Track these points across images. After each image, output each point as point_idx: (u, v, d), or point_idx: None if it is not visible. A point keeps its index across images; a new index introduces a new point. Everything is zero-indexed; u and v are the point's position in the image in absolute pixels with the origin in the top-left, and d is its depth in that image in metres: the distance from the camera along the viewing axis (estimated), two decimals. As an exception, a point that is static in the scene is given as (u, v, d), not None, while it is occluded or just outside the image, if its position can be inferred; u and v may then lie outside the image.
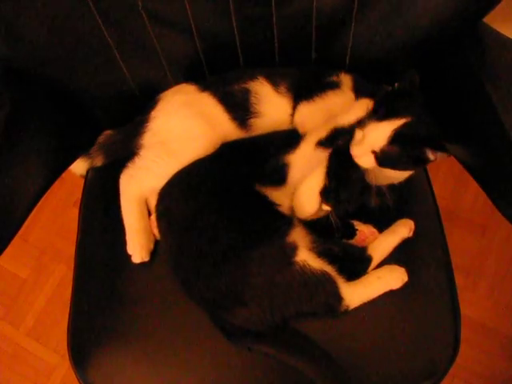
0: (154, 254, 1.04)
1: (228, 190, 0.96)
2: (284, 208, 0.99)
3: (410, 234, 1.00)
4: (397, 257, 1.01)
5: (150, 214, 1.07)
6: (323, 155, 0.96)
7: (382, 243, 1.00)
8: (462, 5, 0.91)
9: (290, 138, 1.01)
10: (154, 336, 0.99)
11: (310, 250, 0.92)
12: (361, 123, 0.91)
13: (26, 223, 0.93)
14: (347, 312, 0.93)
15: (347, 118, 0.94)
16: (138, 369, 0.98)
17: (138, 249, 1.02)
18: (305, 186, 0.98)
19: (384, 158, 0.90)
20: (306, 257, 0.90)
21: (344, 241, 1.01)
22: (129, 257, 1.03)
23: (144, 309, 1.01)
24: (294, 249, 0.90)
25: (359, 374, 0.95)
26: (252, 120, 1.04)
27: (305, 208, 0.98)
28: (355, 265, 0.97)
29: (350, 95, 1.04)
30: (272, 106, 1.04)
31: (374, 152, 0.90)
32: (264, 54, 1.07)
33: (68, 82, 1.03)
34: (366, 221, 1.02)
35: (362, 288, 0.96)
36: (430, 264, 1.03)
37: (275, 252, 0.90)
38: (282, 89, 1.04)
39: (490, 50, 0.93)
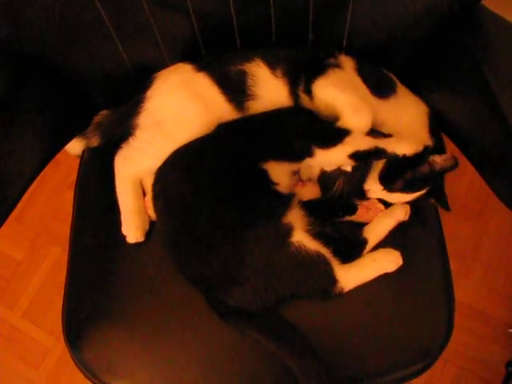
0: (148, 234, 1.05)
1: (226, 170, 0.96)
2: (282, 187, 0.98)
3: (406, 218, 1.00)
4: (392, 240, 1.01)
5: (144, 194, 1.07)
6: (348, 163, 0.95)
7: (377, 226, 1.00)
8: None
9: (323, 123, 1.00)
10: (148, 316, 0.99)
11: (305, 231, 0.93)
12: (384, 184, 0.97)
13: (21, 205, 0.93)
14: (341, 294, 0.94)
15: (394, 148, 0.93)
16: (132, 348, 0.98)
17: (132, 229, 1.03)
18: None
19: None
20: (302, 238, 0.90)
21: (340, 221, 1.02)
22: (124, 237, 1.03)
23: (139, 289, 1.02)
24: (289, 229, 0.90)
25: (353, 357, 0.96)
26: (249, 102, 1.03)
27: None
28: (350, 247, 0.98)
29: (354, 75, 1.03)
30: (269, 89, 1.03)
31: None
32: (261, 35, 1.06)
33: (64, 62, 1.02)
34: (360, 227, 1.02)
35: (357, 270, 0.96)
36: (424, 248, 1.04)
37: (271, 232, 0.90)
38: (279, 71, 1.03)
39: (488, 31, 0.93)
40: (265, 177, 0.96)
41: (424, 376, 1.53)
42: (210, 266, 0.91)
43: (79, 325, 1.01)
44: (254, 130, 1.01)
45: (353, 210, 1.01)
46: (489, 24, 0.93)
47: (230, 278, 0.91)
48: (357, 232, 0.99)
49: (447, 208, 1.01)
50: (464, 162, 0.94)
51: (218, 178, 0.95)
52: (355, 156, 0.93)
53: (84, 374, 0.98)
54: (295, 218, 0.94)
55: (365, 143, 0.93)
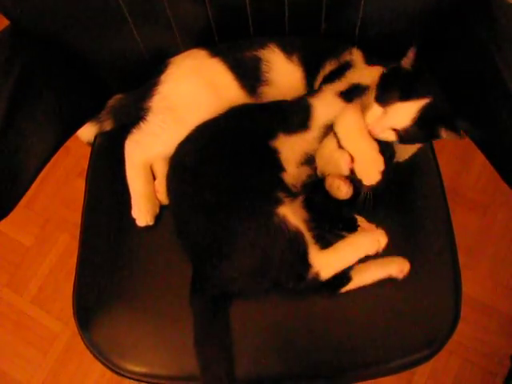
0: (158, 218, 1.06)
1: (238, 148, 0.97)
2: (288, 175, 0.98)
3: (400, 276, 0.97)
4: (402, 230, 1.03)
5: (154, 179, 1.08)
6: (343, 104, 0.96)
7: (368, 271, 0.97)
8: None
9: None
10: (157, 299, 1.00)
11: (294, 210, 0.92)
12: (380, 100, 0.93)
13: (31, 192, 0.94)
14: (316, 280, 0.91)
15: (362, 79, 0.96)
16: (141, 330, 1.00)
17: (143, 213, 1.04)
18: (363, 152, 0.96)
19: (405, 136, 0.94)
20: (287, 213, 0.89)
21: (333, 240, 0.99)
22: (134, 221, 1.04)
23: (148, 272, 1.03)
24: (279, 202, 0.90)
25: (361, 343, 0.97)
26: (262, 88, 1.04)
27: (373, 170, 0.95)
28: (333, 279, 0.93)
29: (365, 66, 1.05)
30: (283, 75, 1.04)
31: (395, 130, 0.93)
32: (274, 23, 1.07)
33: (79, 45, 1.03)
34: (371, 220, 1.01)
35: (333, 255, 0.92)
36: (434, 238, 1.05)
37: (262, 204, 0.90)
38: (294, 58, 1.04)
39: (499, 21, 0.93)
40: (274, 159, 0.97)
41: (429, 367, 1.55)
42: (207, 235, 0.92)
43: (89, 306, 1.02)
44: (266, 108, 1.03)
45: (353, 228, 0.99)
46: (503, 15, 0.93)
47: (221, 249, 0.91)
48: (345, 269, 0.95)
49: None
50: (472, 156, 0.93)
51: (229, 156, 0.96)
52: (341, 95, 0.97)
53: (93, 355, 0.99)
54: (292, 208, 0.93)
55: (339, 84, 0.98)
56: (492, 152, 0.94)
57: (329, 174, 1.00)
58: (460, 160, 1.75)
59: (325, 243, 0.93)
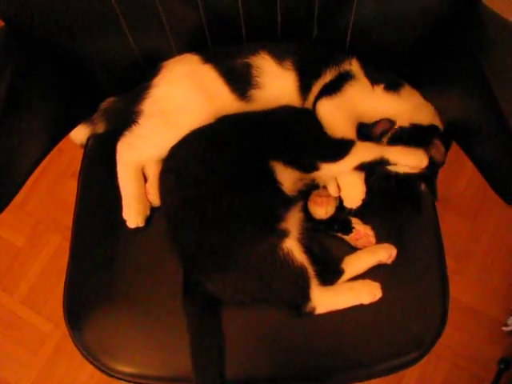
0: (149, 220, 1.06)
1: (237, 159, 0.97)
2: (285, 187, 0.99)
3: (389, 261, 1.00)
4: (390, 234, 1.03)
5: (145, 181, 1.09)
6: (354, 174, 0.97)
7: (358, 260, 1.00)
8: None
9: (328, 139, 0.99)
10: (147, 300, 1.01)
11: (297, 240, 0.94)
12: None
13: (24, 192, 0.94)
14: (311, 314, 0.95)
15: (399, 159, 0.96)
16: (131, 331, 1.00)
17: (133, 214, 1.04)
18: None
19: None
20: (292, 247, 0.92)
21: (332, 236, 1.04)
22: (125, 222, 1.05)
23: (138, 274, 1.03)
24: (284, 235, 0.92)
25: (348, 345, 0.98)
26: (253, 91, 1.05)
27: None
28: (326, 273, 0.97)
29: (365, 81, 1.05)
30: (275, 79, 1.05)
31: None
32: (267, 28, 1.08)
33: (73, 47, 1.04)
34: (366, 221, 1.03)
35: (332, 296, 0.97)
36: (422, 242, 1.06)
37: (266, 233, 0.92)
38: (287, 63, 1.05)
39: (490, 32, 0.95)
40: (272, 175, 0.98)
41: (417, 371, 1.57)
42: (203, 246, 0.93)
43: (79, 307, 1.03)
44: (265, 128, 1.02)
45: (348, 230, 1.02)
46: (490, 24, 0.95)
47: (216, 262, 0.93)
48: (337, 260, 1.00)
49: (435, 196, 1.02)
50: (463, 162, 0.95)
51: (228, 166, 0.96)
52: (362, 167, 0.95)
53: (83, 355, 1.00)
54: (292, 222, 0.97)
55: (370, 154, 0.95)
56: (481, 161, 0.95)
57: (315, 192, 1.03)
58: (450, 167, 1.76)
59: (312, 254, 0.96)
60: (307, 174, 1.00)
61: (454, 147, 1.01)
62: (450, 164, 1.73)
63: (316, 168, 0.97)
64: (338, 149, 0.96)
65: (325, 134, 0.99)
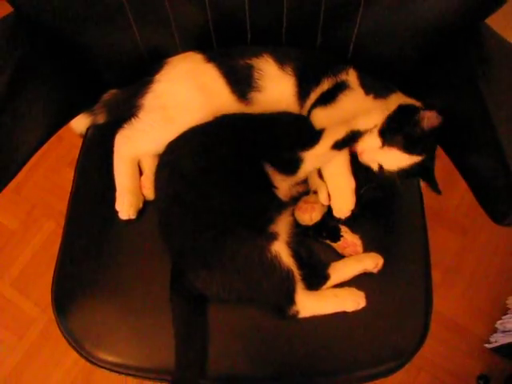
0: (141, 213, 1.08)
1: (232, 159, 0.99)
2: (280, 192, 1.02)
3: (375, 270, 1.01)
4: (378, 243, 1.05)
5: (141, 174, 1.10)
6: (334, 154, 0.98)
7: (344, 267, 1.01)
8: (465, 3, 0.94)
9: (305, 131, 1.03)
10: (133, 291, 1.03)
11: (286, 244, 0.96)
12: (383, 135, 0.96)
13: (20, 177, 0.95)
14: (295, 318, 0.96)
15: (364, 124, 0.96)
16: (116, 321, 1.01)
17: (126, 206, 1.06)
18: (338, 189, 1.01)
19: (386, 173, 0.99)
20: (281, 250, 0.93)
21: (320, 243, 1.05)
22: (117, 213, 1.06)
23: (126, 265, 1.05)
24: (273, 238, 0.94)
25: (329, 351, 0.99)
26: (253, 93, 1.07)
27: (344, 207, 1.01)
28: (312, 278, 0.98)
29: (360, 91, 1.07)
30: (275, 83, 1.07)
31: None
32: (272, 33, 1.10)
33: (78, 37, 1.06)
34: (355, 230, 1.05)
35: (317, 300, 0.98)
36: (409, 253, 1.07)
37: (256, 235, 0.93)
38: (288, 68, 1.07)
39: (489, 51, 0.97)
40: (266, 178, 1.00)
41: (397, 382, 1.58)
42: (193, 242, 0.95)
43: (67, 293, 1.04)
44: (260, 131, 1.04)
45: (336, 237, 1.03)
46: (490, 43, 0.97)
47: (204, 259, 0.94)
48: (323, 266, 1.01)
49: (437, 190, 1.01)
50: (456, 179, 0.96)
51: (223, 165, 0.98)
52: (337, 146, 0.96)
53: (67, 341, 1.01)
54: (282, 225, 0.98)
55: (340, 132, 0.96)
56: (471, 178, 0.97)
57: (303, 198, 1.05)
58: (445, 182, 1.77)
59: (299, 259, 0.97)
60: (294, 176, 1.02)
61: (450, 164, 1.02)
62: (445, 181, 1.77)
63: (300, 161, 0.99)
64: (312, 135, 0.99)
65: (303, 128, 1.04)
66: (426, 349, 1.59)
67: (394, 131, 0.95)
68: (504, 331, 1.57)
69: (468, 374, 1.60)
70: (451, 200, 1.81)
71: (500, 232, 1.76)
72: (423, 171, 1.00)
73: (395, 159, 0.97)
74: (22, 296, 1.73)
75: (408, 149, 0.95)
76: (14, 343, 1.68)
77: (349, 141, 0.97)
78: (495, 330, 1.62)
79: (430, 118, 0.92)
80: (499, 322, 1.62)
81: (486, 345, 1.61)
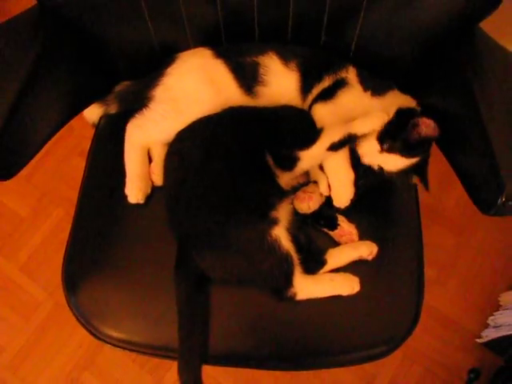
0: (149, 199, 1.13)
1: (240, 149, 1.04)
2: (281, 180, 1.07)
3: (369, 258, 1.06)
4: (373, 233, 1.09)
5: (150, 161, 1.15)
6: (330, 154, 1.03)
7: (341, 254, 1.06)
8: (461, 6, 0.99)
9: (305, 129, 1.08)
10: (140, 271, 1.08)
11: (286, 229, 1.00)
12: (382, 140, 1.01)
13: (32, 165, 0.99)
14: (292, 300, 1.01)
15: (363, 127, 1.01)
16: (123, 299, 1.07)
17: (135, 191, 1.11)
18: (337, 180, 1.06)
19: (384, 173, 1.05)
20: (281, 234, 0.98)
21: (317, 230, 1.10)
22: (126, 197, 1.11)
23: (135, 245, 1.10)
24: (274, 223, 0.99)
25: (322, 334, 1.04)
26: (259, 88, 1.12)
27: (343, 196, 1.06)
28: (311, 262, 1.04)
29: (359, 88, 1.12)
30: (279, 78, 1.12)
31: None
32: (278, 30, 1.15)
33: (97, 30, 1.11)
34: (351, 219, 1.10)
35: (314, 284, 1.03)
36: (403, 245, 1.12)
37: (258, 218, 0.98)
38: (292, 64, 1.13)
39: (482, 54, 1.03)
40: (269, 167, 1.05)
41: (391, 373, 1.63)
42: (198, 225, 1.00)
43: (77, 272, 1.09)
44: (264, 123, 1.09)
45: (333, 225, 1.08)
46: (483, 46, 1.03)
47: (209, 242, 1.00)
48: (320, 251, 1.06)
49: (427, 186, 1.06)
50: (454, 180, 0.99)
51: (229, 154, 1.03)
52: (332, 147, 1.01)
53: (76, 318, 1.06)
54: (283, 212, 1.03)
55: (337, 134, 1.01)
56: (465, 176, 1.00)
57: (302, 189, 1.10)
58: (442, 181, 1.83)
59: (298, 244, 1.02)
60: (291, 172, 1.07)
61: (447, 165, 1.05)
62: (443, 179, 1.82)
63: (297, 159, 1.04)
64: (310, 136, 1.04)
65: (303, 125, 1.09)
66: (419, 342, 1.66)
67: (392, 137, 1.00)
68: (495, 326, 1.62)
69: (459, 367, 1.64)
70: (448, 199, 1.86)
71: (494, 232, 1.82)
72: (418, 168, 1.05)
73: (394, 162, 1.03)
74: (30, 280, 1.78)
75: (406, 153, 1.01)
76: (21, 325, 1.73)
77: (345, 143, 1.02)
78: (487, 326, 1.67)
79: (427, 127, 0.97)
80: (491, 317, 1.67)
81: (478, 340, 1.65)
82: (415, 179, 1.07)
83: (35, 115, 0.99)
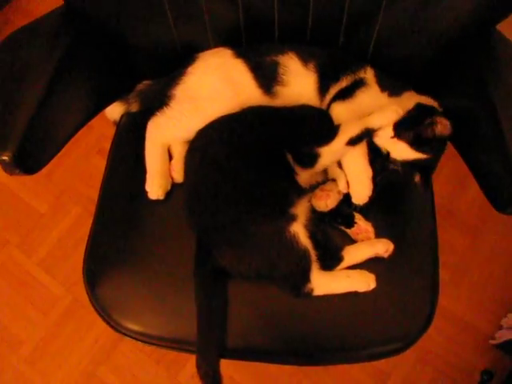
0: (168, 195, 1.15)
1: (259, 147, 1.06)
2: (300, 178, 1.09)
3: (385, 255, 1.07)
4: (390, 232, 1.10)
5: (170, 159, 1.18)
6: (349, 149, 1.05)
7: (357, 251, 1.08)
8: (479, 8, 1.01)
9: (323, 127, 1.10)
10: (160, 265, 1.10)
11: (304, 226, 1.02)
12: (396, 128, 1.03)
13: (52, 163, 1.00)
14: (309, 295, 1.02)
15: (379, 122, 1.02)
16: (143, 293, 1.09)
17: (155, 187, 1.13)
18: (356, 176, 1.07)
19: (390, 160, 1.06)
20: (299, 231, 1.00)
21: (334, 228, 1.12)
22: (147, 193, 1.14)
23: (155, 240, 1.12)
24: (292, 219, 1.00)
25: (342, 329, 1.05)
26: (277, 88, 1.14)
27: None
28: (328, 258, 1.05)
29: (376, 88, 1.13)
30: (298, 78, 1.14)
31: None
32: (297, 32, 1.17)
33: (122, 31, 1.15)
34: (368, 218, 1.11)
35: (330, 280, 1.04)
36: (419, 244, 1.13)
37: (277, 215, 1.00)
38: (311, 65, 1.14)
39: (499, 55, 1.04)
40: (288, 164, 1.07)
41: (403, 373, 1.64)
42: (218, 221, 1.02)
43: (98, 265, 1.12)
44: (283, 122, 1.11)
45: (350, 223, 1.10)
46: (500, 48, 1.04)
47: (228, 237, 1.02)
48: (337, 248, 1.07)
49: (426, 187, 1.08)
50: (469, 181, 1.01)
51: (249, 152, 1.05)
52: (351, 142, 1.03)
53: (96, 311, 1.09)
54: (301, 209, 1.05)
55: (355, 129, 1.03)
56: (481, 175, 1.02)
57: (320, 187, 1.12)
58: (457, 183, 1.85)
59: (316, 241, 1.03)
60: (312, 169, 1.08)
61: (463, 166, 1.07)
62: (458, 181, 1.83)
63: (317, 155, 1.06)
64: (329, 132, 1.06)
65: (321, 124, 1.10)
66: (432, 343, 1.67)
67: (406, 127, 1.02)
68: (508, 328, 1.62)
69: (472, 369, 1.64)
70: (464, 200, 1.86)
71: (507, 233, 1.82)
72: (424, 168, 1.06)
73: (401, 151, 1.04)
74: (49, 275, 1.81)
75: (415, 145, 1.02)
76: (39, 319, 1.76)
77: (362, 138, 1.03)
78: (500, 327, 1.67)
79: (443, 126, 0.99)
80: (504, 319, 1.67)
81: (491, 341, 1.66)
82: (417, 178, 1.08)
83: (61, 111, 1.02)
